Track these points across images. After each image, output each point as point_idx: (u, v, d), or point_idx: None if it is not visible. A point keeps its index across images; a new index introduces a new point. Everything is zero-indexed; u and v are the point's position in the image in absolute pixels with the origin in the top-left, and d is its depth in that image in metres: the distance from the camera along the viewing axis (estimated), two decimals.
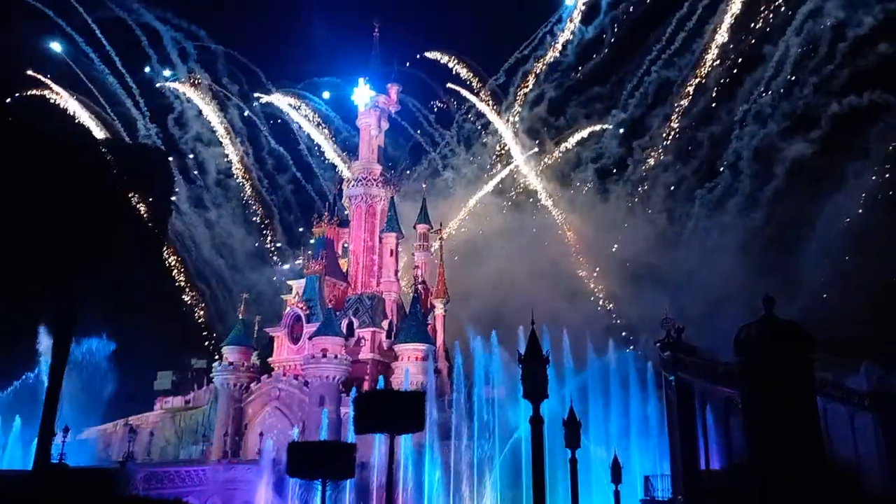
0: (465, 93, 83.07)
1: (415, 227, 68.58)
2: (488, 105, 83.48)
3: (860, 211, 65.42)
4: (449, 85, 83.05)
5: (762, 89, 73.91)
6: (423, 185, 71.42)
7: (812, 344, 22.21)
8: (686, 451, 28.53)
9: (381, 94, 70.75)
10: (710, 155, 78.15)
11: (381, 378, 57.13)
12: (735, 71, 75.69)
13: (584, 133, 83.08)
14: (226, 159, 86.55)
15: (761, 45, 73.91)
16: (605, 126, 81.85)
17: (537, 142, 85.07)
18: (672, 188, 79.88)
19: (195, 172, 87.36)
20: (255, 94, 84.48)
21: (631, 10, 78.10)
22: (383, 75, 72.04)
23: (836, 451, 26.29)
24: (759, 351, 22.53)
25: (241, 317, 63.15)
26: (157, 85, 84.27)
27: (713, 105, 77.71)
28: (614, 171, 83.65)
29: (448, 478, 51.01)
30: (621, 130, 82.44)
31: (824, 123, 69.72)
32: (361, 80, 70.55)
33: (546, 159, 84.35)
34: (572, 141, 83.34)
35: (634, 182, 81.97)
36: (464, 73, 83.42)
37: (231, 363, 60.44)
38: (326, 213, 68.72)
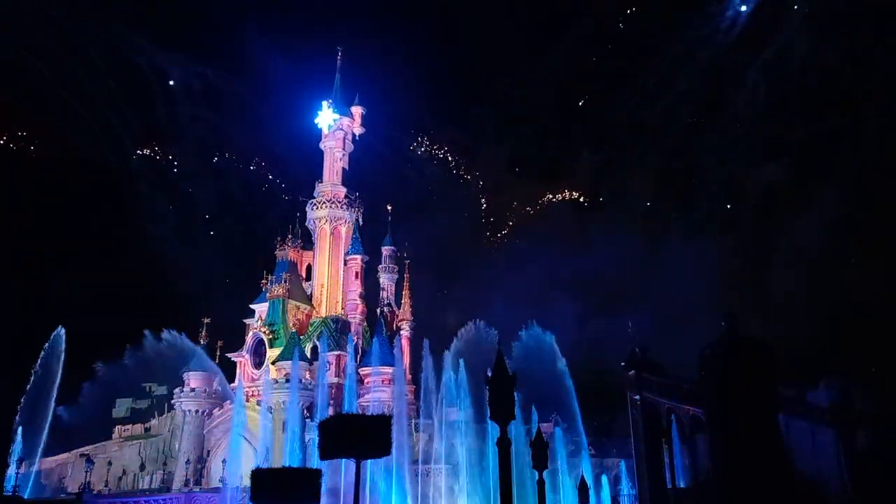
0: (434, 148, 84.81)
1: (381, 249, 68.37)
2: (456, 162, 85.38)
3: (823, 233, 67.63)
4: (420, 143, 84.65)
5: (736, 120, 77.21)
6: (389, 208, 71.37)
7: (774, 360, 22.55)
8: (652, 470, 28.61)
9: (345, 116, 70.70)
10: (684, 182, 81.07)
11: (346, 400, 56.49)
12: (710, 103, 79.14)
13: (557, 196, 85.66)
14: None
15: (734, 79, 77.36)
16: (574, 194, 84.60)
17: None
18: (646, 214, 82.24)
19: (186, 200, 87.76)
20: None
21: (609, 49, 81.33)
22: (347, 98, 72.05)
23: (798, 466, 26.63)
24: (722, 367, 22.81)
25: (202, 342, 61.96)
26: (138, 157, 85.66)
27: (688, 135, 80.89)
28: (590, 200, 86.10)
29: (416, 502, 50.44)
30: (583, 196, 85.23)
31: (793, 150, 72.96)
32: (325, 104, 70.48)
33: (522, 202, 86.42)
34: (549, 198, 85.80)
35: (611, 209, 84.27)
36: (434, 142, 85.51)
37: (193, 389, 59.21)
38: (290, 236, 68.07)
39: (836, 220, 67.51)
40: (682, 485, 29.97)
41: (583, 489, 32.19)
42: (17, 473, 44.65)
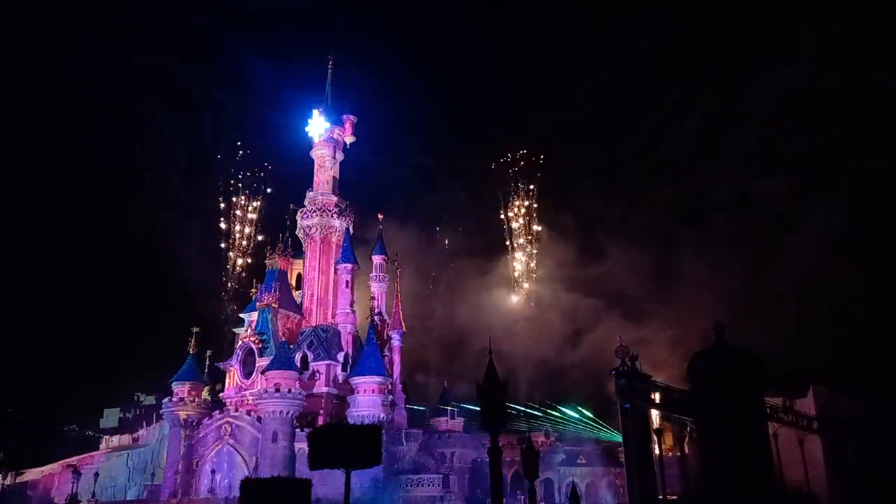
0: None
1: (371, 258, 68.29)
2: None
3: (823, 246, 69.11)
4: None
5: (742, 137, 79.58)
6: (380, 216, 71.30)
7: (762, 369, 22.68)
8: (643, 479, 28.64)
9: (336, 125, 70.64)
10: (693, 200, 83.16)
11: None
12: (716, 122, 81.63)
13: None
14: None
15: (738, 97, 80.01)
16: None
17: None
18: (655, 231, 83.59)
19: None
20: None
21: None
22: (338, 107, 71.98)
23: (787, 473, 26.75)
24: (711, 377, 22.93)
25: (191, 351, 61.56)
26: None
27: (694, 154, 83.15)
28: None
29: None
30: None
31: (797, 166, 75.24)
32: (316, 112, 70.36)
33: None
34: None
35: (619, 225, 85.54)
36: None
37: (181, 399, 58.80)
38: (280, 245, 67.83)
39: (835, 233, 69.33)
40: (671, 493, 30.03)
41: (574, 498, 32.20)
42: (3, 485, 44.22)
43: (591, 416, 66.48)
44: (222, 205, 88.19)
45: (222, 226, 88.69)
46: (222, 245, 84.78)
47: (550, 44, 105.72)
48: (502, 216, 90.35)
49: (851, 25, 74.82)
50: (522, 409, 67.43)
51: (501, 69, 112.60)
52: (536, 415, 67.38)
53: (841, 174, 73.78)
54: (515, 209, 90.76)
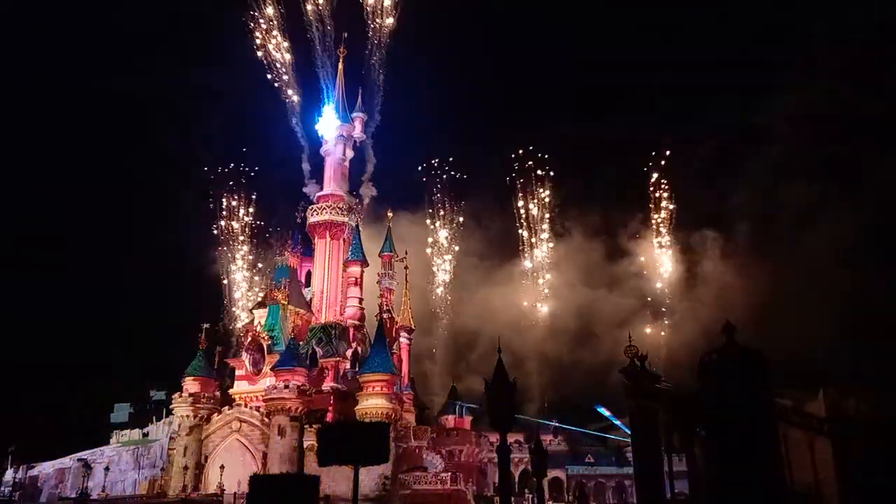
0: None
1: (380, 256, 68.37)
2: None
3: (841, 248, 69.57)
4: None
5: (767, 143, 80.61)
6: (389, 214, 71.37)
7: (771, 370, 22.56)
8: (650, 480, 28.52)
9: (347, 123, 70.65)
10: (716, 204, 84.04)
11: None
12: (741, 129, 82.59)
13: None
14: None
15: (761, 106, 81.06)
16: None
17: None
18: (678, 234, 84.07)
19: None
20: None
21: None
22: (349, 104, 71.97)
23: (796, 475, 26.57)
24: (720, 377, 22.83)
25: (201, 347, 61.80)
26: None
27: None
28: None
29: None
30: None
31: (818, 175, 76.33)
32: (327, 109, 70.43)
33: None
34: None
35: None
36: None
37: (191, 394, 59.08)
38: (290, 242, 68.01)
39: (855, 235, 69.79)
40: (679, 493, 29.90)
41: (581, 496, 32.18)
42: (16, 479, 44.54)
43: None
44: (234, 202, 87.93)
45: (234, 224, 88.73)
46: (232, 244, 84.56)
47: (576, 51, 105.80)
48: (520, 206, 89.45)
49: (867, 40, 75.88)
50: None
51: (523, 74, 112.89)
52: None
53: (859, 183, 74.59)
54: (535, 202, 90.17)
